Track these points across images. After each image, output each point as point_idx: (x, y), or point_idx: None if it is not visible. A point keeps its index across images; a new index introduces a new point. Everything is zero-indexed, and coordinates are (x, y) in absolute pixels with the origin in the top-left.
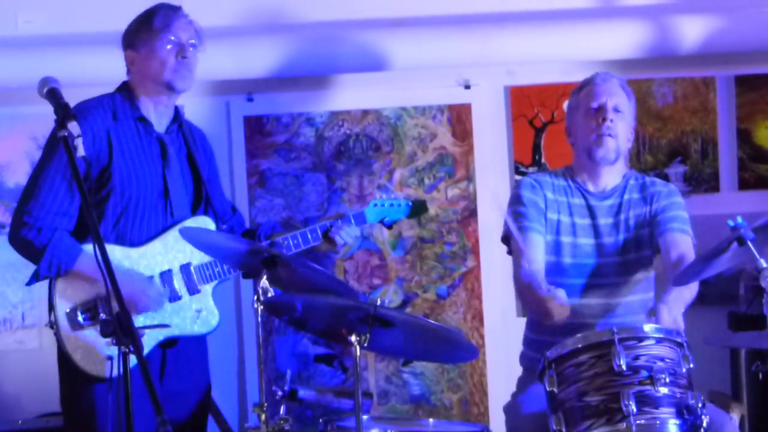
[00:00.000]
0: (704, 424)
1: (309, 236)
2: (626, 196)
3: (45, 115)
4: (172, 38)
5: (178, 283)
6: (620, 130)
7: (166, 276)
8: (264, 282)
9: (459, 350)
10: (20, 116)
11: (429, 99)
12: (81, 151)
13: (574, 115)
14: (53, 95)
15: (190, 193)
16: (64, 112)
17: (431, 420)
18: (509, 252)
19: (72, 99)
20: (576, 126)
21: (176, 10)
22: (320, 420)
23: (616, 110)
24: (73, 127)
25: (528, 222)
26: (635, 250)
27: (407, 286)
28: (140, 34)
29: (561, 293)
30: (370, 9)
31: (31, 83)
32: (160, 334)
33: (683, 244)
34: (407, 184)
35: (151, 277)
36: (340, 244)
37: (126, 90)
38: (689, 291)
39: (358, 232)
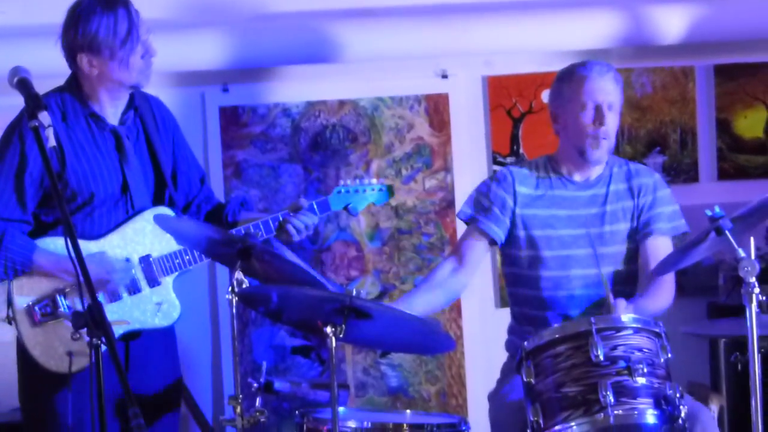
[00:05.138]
0: (682, 415)
1: (271, 225)
2: (612, 187)
3: (16, 106)
4: (138, 41)
5: (138, 275)
6: (612, 127)
7: None
8: (238, 273)
9: (437, 342)
10: None
11: (406, 89)
12: (52, 142)
13: (563, 104)
14: (24, 85)
15: (151, 183)
16: (35, 102)
17: (409, 412)
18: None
19: (43, 90)
20: (566, 116)
21: (129, 5)
22: (297, 412)
23: (610, 108)
24: (44, 117)
25: (484, 219)
26: (621, 242)
27: (384, 278)
28: (105, 40)
29: None
30: None
31: (2, 74)
32: (120, 328)
33: (662, 249)
34: (384, 175)
35: (108, 258)
36: (293, 233)
37: (76, 85)
38: (663, 298)
39: (316, 220)
